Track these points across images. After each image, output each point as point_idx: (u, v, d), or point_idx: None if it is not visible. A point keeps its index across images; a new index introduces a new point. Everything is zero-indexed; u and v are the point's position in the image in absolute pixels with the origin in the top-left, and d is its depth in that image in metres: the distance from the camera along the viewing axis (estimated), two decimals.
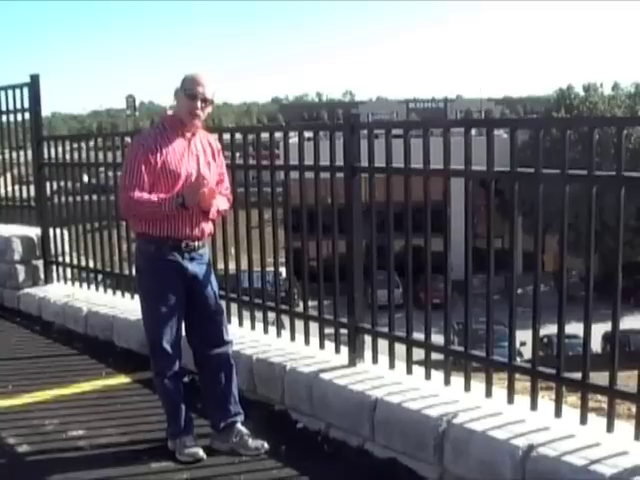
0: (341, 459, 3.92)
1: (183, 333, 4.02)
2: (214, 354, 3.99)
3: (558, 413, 3.50)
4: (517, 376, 3.72)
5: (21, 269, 7.63)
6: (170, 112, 3.96)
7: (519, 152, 3.67)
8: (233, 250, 5.26)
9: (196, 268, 3.92)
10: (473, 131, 3.87)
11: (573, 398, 4.16)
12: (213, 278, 4.09)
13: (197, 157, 3.88)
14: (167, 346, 3.86)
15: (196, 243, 3.90)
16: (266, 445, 3.96)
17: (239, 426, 4.02)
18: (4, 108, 8.26)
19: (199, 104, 3.79)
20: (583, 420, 3.41)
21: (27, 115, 7.92)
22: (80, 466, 3.87)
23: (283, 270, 5.29)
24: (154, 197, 3.74)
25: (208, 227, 3.98)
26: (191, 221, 3.85)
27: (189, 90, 3.79)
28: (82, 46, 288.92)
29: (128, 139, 6.07)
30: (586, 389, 3.41)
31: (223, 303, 4.33)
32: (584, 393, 3.41)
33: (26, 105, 7.87)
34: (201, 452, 3.92)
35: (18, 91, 7.92)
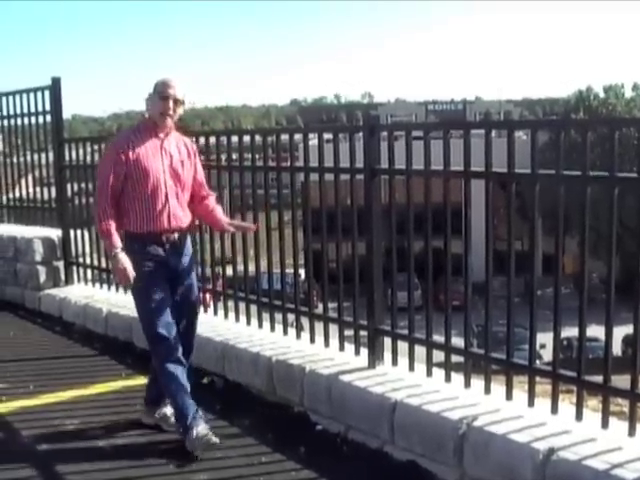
0: (360, 461, 3.91)
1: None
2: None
3: (579, 416, 3.48)
4: (537, 379, 3.70)
5: (42, 270, 7.70)
6: (146, 115, 4.20)
7: (538, 153, 3.65)
8: (252, 252, 5.28)
9: (177, 260, 4.15)
10: (493, 133, 3.85)
11: (594, 401, 4.13)
12: (193, 270, 4.39)
13: (170, 156, 4.13)
14: (163, 330, 4.03)
15: (176, 235, 4.12)
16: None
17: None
18: (26, 111, 8.36)
19: (171, 104, 4.07)
20: (604, 424, 3.38)
21: (48, 117, 8.02)
22: (100, 466, 3.89)
23: (302, 272, 5.29)
24: (112, 228, 3.97)
25: (187, 219, 4.20)
26: (168, 215, 4.08)
27: (161, 93, 4.07)
28: (102, 48, 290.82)
29: None
30: (607, 392, 3.38)
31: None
32: (605, 396, 3.38)
33: (47, 108, 7.97)
34: (214, 438, 3.97)
35: (40, 94, 8.02)
